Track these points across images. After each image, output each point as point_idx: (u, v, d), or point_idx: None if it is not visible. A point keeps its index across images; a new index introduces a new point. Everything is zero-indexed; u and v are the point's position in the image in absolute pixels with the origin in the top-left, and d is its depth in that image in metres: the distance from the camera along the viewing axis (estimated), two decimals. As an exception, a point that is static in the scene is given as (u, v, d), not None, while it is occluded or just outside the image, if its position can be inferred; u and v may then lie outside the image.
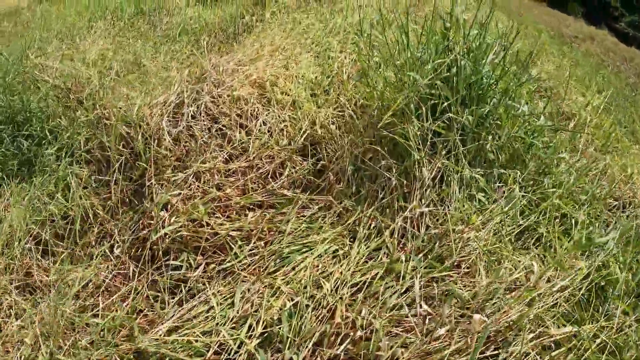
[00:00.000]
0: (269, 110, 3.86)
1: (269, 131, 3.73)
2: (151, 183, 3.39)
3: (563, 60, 9.57)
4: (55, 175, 4.00)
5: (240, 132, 3.69)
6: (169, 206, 3.21)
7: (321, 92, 4.19)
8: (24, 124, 4.81)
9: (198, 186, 3.33)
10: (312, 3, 8.16)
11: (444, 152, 3.03)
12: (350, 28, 5.64)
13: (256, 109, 3.84)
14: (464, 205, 2.89)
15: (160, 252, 3.07)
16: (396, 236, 2.83)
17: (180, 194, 3.25)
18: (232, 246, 2.99)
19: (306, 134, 3.71)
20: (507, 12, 17.82)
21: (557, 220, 3.01)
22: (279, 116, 3.84)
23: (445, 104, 3.08)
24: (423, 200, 2.90)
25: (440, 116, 3.09)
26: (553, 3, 44.32)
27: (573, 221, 2.97)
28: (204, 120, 3.73)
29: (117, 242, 3.35)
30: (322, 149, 3.65)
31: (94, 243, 3.45)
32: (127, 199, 3.55)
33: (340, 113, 3.87)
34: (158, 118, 3.67)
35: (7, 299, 3.28)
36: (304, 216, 3.20)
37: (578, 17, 38.80)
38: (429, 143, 3.03)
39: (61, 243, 3.56)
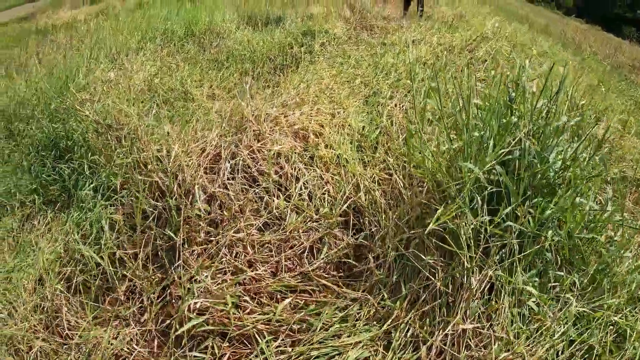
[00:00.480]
0: (311, 169, 3.60)
1: (309, 195, 3.45)
2: (183, 246, 3.19)
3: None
4: (90, 214, 3.87)
5: (278, 197, 3.43)
6: (198, 280, 3.00)
7: (368, 146, 3.93)
8: (66, 151, 4.74)
9: (229, 260, 3.10)
10: (362, 34, 7.95)
11: (497, 258, 2.66)
12: (402, 67, 5.38)
13: (297, 169, 3.59)
14: (512, 323, 2.56)
15: (186, 336, 2.85)
16: (433, 355, 2.54)
17: (210, 270, 3.03)
18: (259, 340, 2.76)
19: (349, 201, 3.43)
20: (565, 41, 17.38)
21: (612, 327, 2.61)
22: (321, 177, 3.57)
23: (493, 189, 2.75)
24: (468, 313, 2.56)
25: (496, 207, 2.73)
26: (609, 28, 43.63)
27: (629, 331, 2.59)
28: (241, 179, 3.50)
29: (145, 306, 3.16)
30: (365, 219, 3.35)
31: (122, 299, 3.28)
32: (160, 254, 3.35)
33: (388, 176, 3.59)
34: (194, 170, 3.48)
35: (35, 343, 3.17)
36: (337, 308, 2.93)
37: (633, 42, 38.05)
38: (481, 246, 2.67)
39: (91, 288, 3.41)
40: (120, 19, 12.34)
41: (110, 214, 3.70)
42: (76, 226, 3.90)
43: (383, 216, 3.23)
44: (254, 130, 3.71)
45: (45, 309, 3.38)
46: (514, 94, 2.99)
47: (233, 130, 3.82)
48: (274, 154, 3.60)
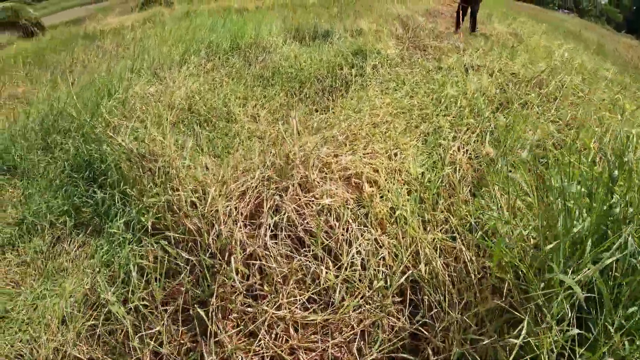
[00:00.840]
0: (364, 229, 3.09)
1: (362, 264, 2.96)
2: (216, 315, 2.79)
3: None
4: (120, 253, 3.53)
5: (327, 266, 2.93)
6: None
7: (428, 197, 3.46)
8: (100, 174, 4.46)
9: (269, 343, 2.64)
10: (415, 55, 7.49)
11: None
12: (463, 99, 4.94)
13: (350, 229, 3.10)
14: None
15: None
16: None
17: (247, 356, 2.60)
18: None
19: (407, 273, 2.93)
20: (622, 61, 16.65)
21: None
22: (376, 240, 3.06)
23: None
24: None
25: (584, 316, 2.19)
26: None
27: None
28: (284, 238, 3.05)
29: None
30: (424, 296, 2.84)
31: (147, 361, 2.90)
32: (190, 314, 2.95)
33: (451, 241, 3.10)
34: (232, 220, 3.08)
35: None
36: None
37: None
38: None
39: (115, 340, 3.05)
40: (166, 27, 12.13)
41: (140, 256, 3.34)
42: (105, 266, 3.59)
43: (446, 297, 2.73)
44: (300, 176, 3.28)
45: (67, 354, 3.07)
46: (616, 173, 2.40)
47: (277, 173, 3.39)
48: (322, 208, 3.17)
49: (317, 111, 5.61)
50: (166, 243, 3.22)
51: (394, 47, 7.69)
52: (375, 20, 11.54)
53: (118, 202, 3.94)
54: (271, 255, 2.89)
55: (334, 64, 6.85)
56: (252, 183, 3.30)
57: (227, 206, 3.16)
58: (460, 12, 11.07)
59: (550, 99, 4.92)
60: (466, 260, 2.82)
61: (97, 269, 3.62)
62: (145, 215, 3.49)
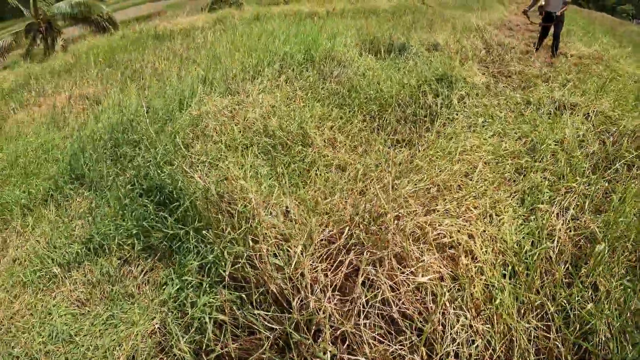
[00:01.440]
0: (459, 314, 2.79)
1: (455, 353, 2.67)
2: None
3: None
4: (192, 298, 3.34)
5: (421, 357, 2.64)
6: None
7: (523, 272, 3.14)
8: (171, 198, 4.29)
9: None
10: (500, 82, 7.12)
11: None
12: (559, 150, 4.61)
13: (444, 313, 2.80)
14: None
15: None
16: None
17: None
18: None
19: None
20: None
21: None
22: (470, 325, 2.76)
23: None
24: None
25: None
26: None
27: None
28: (377, 319, 2.77)
29: None
30: None
31: None
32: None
33: (546, 332, 2.81)
34: (320, 288, 2.82)
35: None
36: None
37: None
38: None
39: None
40: (237, 32, 12.01)
41: (217, 308, 3.13)
42: (175, 307, 3.41)
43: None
44: (397, 246, 3.00)
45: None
46: None
47: (368, 234, 3.11)
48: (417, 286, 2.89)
49: (398, 143, 5.30)
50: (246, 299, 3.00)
51: (479, 74, 7.31)
52: (450, 32, 11.17)
53: (192, 240, 3.74)
54: (363, 338, 2.61)
55: (416, 89, 6.50)
56: (341, 241, 3.03)
57: (315, 268, 2.91)
58: (542, 31, 10.59)
59: None
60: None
61: (167, 308, 3.45)
62: (224, 264, 3.26)
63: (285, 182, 4.03)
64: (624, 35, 24.24)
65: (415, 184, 3.73)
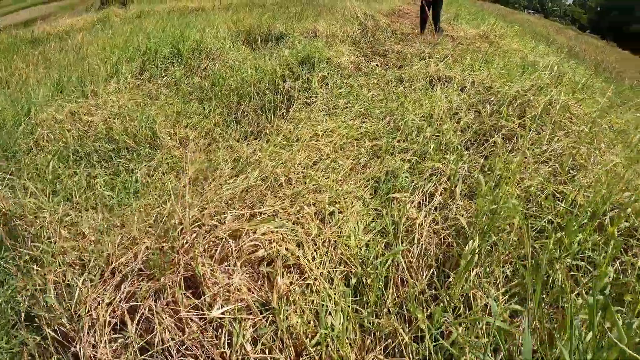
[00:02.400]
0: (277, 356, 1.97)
1: None
2: None
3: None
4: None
5: None
6: None
7: (373, 286, 2.33)
8: None
9: None
10: (374, 61, 6.45)
11: None
12: (426, 126, 3.83)
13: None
14: None
15: None
16: None
17: None
18: None
19: None
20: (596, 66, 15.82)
21: None
22: None
23: None
24: None
25: None
26: (623, 44, 42.79)
27: None
28: None
29: None
30: None
31: None
32: None
33: None
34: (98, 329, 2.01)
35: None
36: None
37: None
38: None
39: None
40: (109, 32, 10.97)
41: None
42: None
43: None
44: (185, 268, 2.20)
45: None
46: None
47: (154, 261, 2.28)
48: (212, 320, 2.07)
49: (252, 135, 4.53)
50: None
51: (348, 54, 6.58)
52: (337, 21, 10.52)
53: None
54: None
55: (277, 75, 5.73)
56: (130, 266, 2.22)
57: (97, 306, 2.08)
58: (426, 9, 10.02)
59: (538, 125, 3.80)
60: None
61: None
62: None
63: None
64: (513, 21, 24.53)
65: (248, 180, 2.95)
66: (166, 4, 18.56)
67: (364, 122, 4.10)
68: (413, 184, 3.08)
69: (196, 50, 7.31)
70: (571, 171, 3.17)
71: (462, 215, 2.69)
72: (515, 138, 3.57)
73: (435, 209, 2.85)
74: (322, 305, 2.09)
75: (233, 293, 2.04)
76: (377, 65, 6.24)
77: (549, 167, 3.14)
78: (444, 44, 7.71)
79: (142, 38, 8.10)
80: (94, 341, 1.97)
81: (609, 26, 53.87)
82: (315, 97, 4.93)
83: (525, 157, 3.22)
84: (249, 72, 5.85)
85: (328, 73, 5.53)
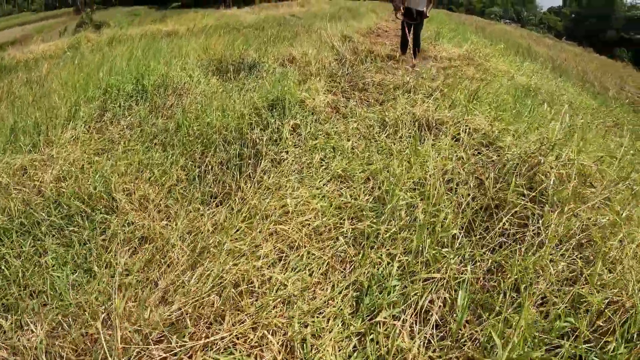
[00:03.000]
0: None
1: None
2: None
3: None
4: None
5: None
6: None
7: None
8: None
9: None
10: (353, 97, 5.82)
11: None
12: (421, 215, 3.07)
13: None
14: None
15: None
16: None
17: None
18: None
19: None
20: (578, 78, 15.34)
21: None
22: None
23: None
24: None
25: None
26: (600, 50, 43.22)
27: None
28: None
29: None
30: None
31: None
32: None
33: None
34: None
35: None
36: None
37: (626, 63, 37.69)
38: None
39: None
40: (76, 62, 10.18)
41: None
42: None
43: None
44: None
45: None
46: None
47: None
48: None
49: (215, 198, 3.84)
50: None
51: (324, 92, 5.85)
52: (314, 44, 9.89)
53: None
54: None
55: (245, 121, 4.99)
56: None
57: None
58: (406, 30, 9.36)
59: (554, 202, 3.06)
60: None
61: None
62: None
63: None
64: (493, 33, 24.18)
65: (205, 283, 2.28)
66: (140, 27, 17.85)
67: (342, 189, 3.43)
68: (404, 292, 2.39)
69: (162, 85, 6.61)
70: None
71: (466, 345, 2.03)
72: (528, 220, 2.87)
73: (432, 334, 2.18)
74: None
75: None
76: (356, 103, 5.54)
77: (567, 262, 2.48)
78: (427, 71, 7.10)
79: (104, 75, 7.31)
80: None
81: (585, 34, 54.09)
82: (287, 152, 4.23)
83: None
84: (215, 115, 5.13)
85: (301, 120, 4.83)
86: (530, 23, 73.22)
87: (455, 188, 3.20)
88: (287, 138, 4.43)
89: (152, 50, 9.75)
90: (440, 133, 4.23)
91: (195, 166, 4.37)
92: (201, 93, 6.34)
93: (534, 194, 2.97)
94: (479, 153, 3.81)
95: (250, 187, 3.66)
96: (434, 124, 4.38)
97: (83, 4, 58.21)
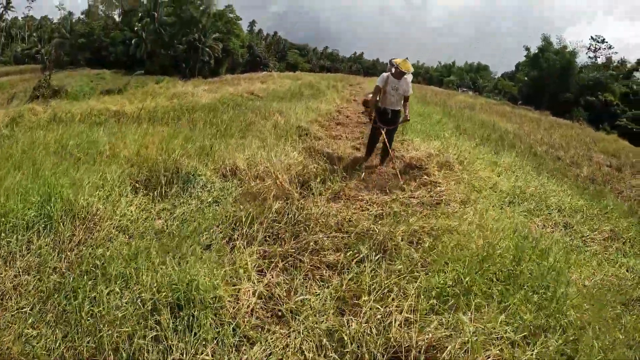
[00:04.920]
0: None
1: None
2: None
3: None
4: None
5: None
6: None
7: None
8: None
9: None
10: (300, 270, 4.30)
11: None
12: None
13: None
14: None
15: None
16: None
17: None
18: None
19: None
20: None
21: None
22: None
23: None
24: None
25: None
26: (556, 112, 44.03)
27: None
28: None
29: None
30: None
31: None
32: None
33: None
34: None
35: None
36: None
37: (582, 123, 38.30)
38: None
39: None
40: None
41: None
42: None
43: None
44: None
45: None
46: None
47: None
48: None
49: None
50: None
51: (256, 265, 4.17)
52: (264, 141, 8.50)
53: None
54: None
55: (139, 332, 3.32)
56: None
57: None
58: (377, 133, 7.96)
59: None
60: None
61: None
62: None
63: None
64: (457, 109, 23.55)
65: None
66: (87, 103, 16.12)
67: None
68: None
69: (67, 212, 4.96)
70: None
71: None
72: None
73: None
74: None
75: None
76: (304, 279, 3.98)
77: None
78: (398, 205, 5.69)
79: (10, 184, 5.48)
80: None
81: (542, 97, 54.85)
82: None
83: None
84: (114, 295, 3.54)
85: (215, 336, 3.21)
86: (486, 90, 74.32)
87: None
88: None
89: (86, 141, 8.07)
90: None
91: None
92: (116, 224, 4.82)
93: None
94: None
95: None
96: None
97: (52, 64, 56.36)
